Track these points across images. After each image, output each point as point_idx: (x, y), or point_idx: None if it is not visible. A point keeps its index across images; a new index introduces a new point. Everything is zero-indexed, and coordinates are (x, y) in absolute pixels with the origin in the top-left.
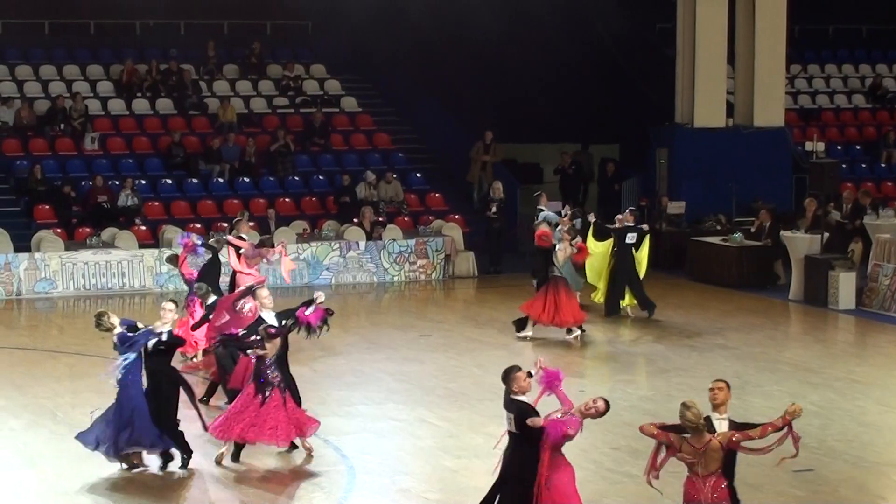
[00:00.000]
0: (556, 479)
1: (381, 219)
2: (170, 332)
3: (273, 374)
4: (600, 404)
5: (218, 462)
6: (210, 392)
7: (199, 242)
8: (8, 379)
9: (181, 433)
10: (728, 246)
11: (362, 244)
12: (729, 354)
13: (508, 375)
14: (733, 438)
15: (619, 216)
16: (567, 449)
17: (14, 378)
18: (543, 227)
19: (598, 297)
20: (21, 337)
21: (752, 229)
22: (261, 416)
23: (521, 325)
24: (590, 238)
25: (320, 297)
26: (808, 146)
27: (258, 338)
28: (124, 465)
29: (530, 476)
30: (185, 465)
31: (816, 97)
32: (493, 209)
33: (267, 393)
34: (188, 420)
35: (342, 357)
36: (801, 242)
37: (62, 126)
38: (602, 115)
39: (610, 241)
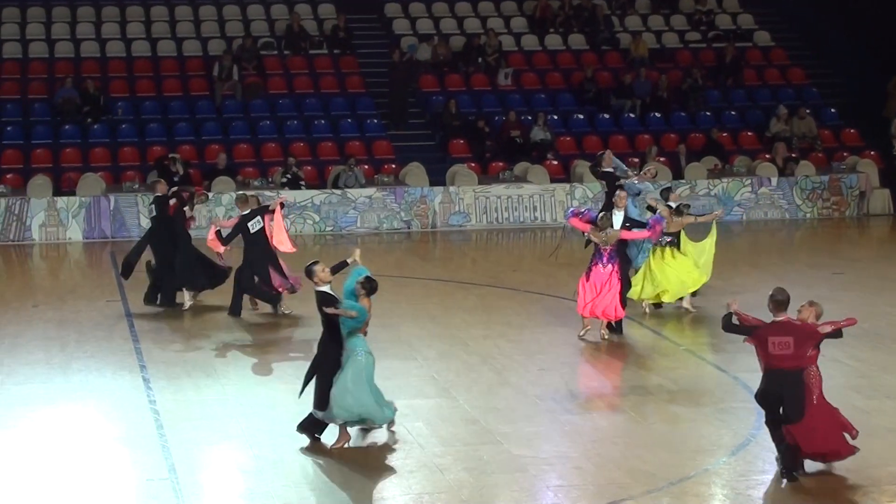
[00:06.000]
0: None
1: (793, 154)
2: None
3: None
4: None
5: None
6: None
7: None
8: (423, 309)
9: None
10: None
11: (774, 180)
12: None
13: None
14: None
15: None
16: None
17: (428, 308)
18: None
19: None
20: (435, 268)
21: None
22: None
23: None
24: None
25: None
26: None
27: None
28: None
29: None
30: None
31: None
32: None
33: None
34: None
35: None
36: None
37: (478, 60)
38: None
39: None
